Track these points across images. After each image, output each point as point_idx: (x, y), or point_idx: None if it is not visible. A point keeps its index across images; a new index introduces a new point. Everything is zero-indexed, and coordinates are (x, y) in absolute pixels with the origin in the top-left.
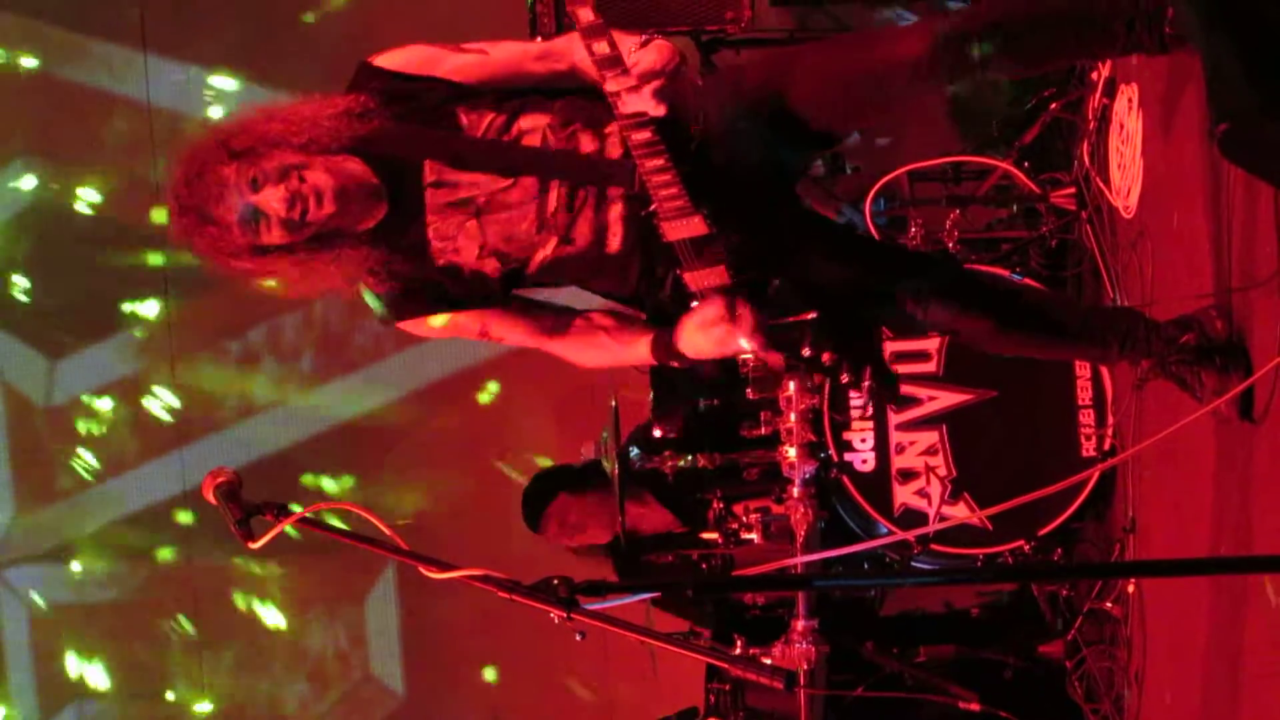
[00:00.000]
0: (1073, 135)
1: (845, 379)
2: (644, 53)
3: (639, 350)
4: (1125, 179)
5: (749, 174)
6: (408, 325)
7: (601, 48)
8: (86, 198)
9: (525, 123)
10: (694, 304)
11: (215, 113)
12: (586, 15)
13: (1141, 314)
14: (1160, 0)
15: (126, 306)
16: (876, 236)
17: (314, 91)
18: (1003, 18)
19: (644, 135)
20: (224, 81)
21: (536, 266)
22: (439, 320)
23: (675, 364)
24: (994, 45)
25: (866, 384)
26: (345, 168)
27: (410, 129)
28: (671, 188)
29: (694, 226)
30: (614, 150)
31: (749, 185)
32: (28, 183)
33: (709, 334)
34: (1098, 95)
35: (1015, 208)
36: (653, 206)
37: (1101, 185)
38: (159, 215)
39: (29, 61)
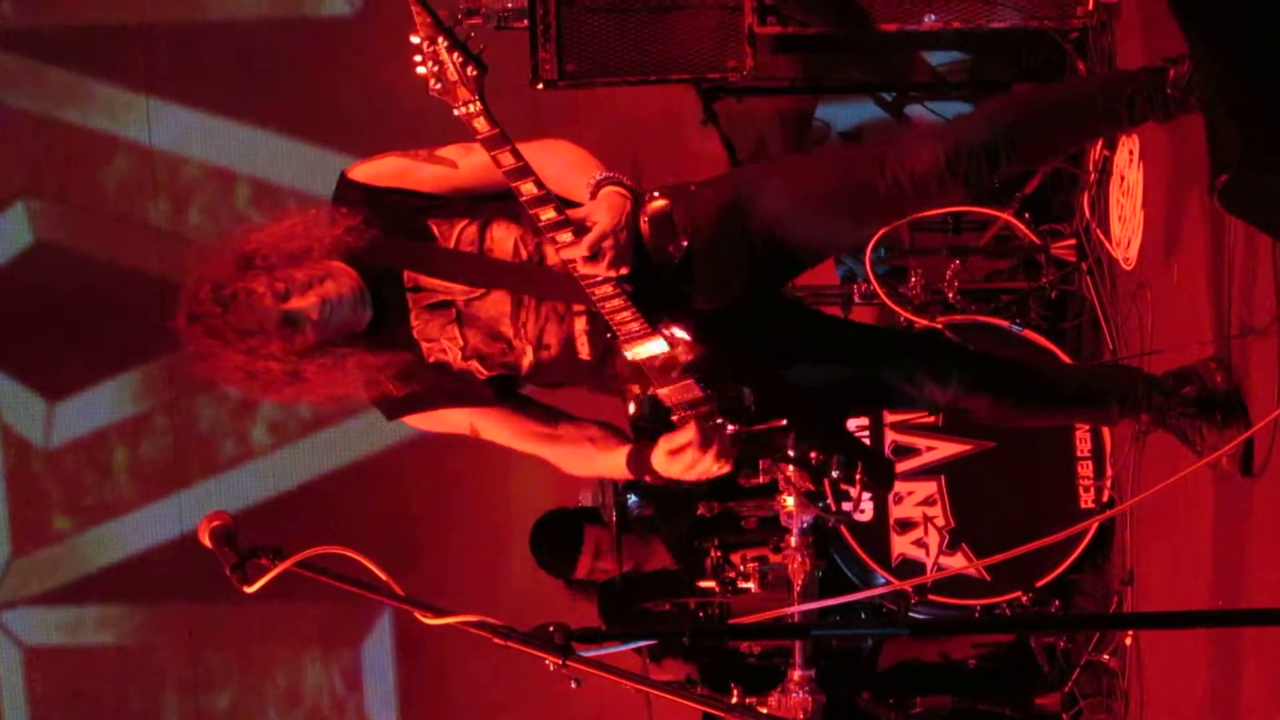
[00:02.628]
0: (1074, 187)
1: (836, 475)
2: (596, 208)
3: (615, 463)
4: (1126, 230)
5: (730, 292)
6: (411, 420)
7: (506, 159)
8: (86, 238)
9: (497, 232)
10: (674, 418)
11: (216, 156)
12: (482, 126)
13: (1139, 371)
14: (1155, 72)
15: (125, 349)
16: (879, 289)
17: (310, 133)
18: (1010, 121)
19: (593, 275)
20: (226, 125)
21: (527, 369)
22: (430, 416)
23: (649, 479)
24: (1005, 150)
25: (859, 478)
26: (349, 274)
27: (388, 240)
28: (625, 312)
29: (655, 347)
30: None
31: (726, 301)
32: (28, 222)
33: (679, 459)
34: (1099, 147)
35: (1016, 259)
36: (609, 334)
37: (1102, 237)
38: (157, 261)
39: (30, 103)
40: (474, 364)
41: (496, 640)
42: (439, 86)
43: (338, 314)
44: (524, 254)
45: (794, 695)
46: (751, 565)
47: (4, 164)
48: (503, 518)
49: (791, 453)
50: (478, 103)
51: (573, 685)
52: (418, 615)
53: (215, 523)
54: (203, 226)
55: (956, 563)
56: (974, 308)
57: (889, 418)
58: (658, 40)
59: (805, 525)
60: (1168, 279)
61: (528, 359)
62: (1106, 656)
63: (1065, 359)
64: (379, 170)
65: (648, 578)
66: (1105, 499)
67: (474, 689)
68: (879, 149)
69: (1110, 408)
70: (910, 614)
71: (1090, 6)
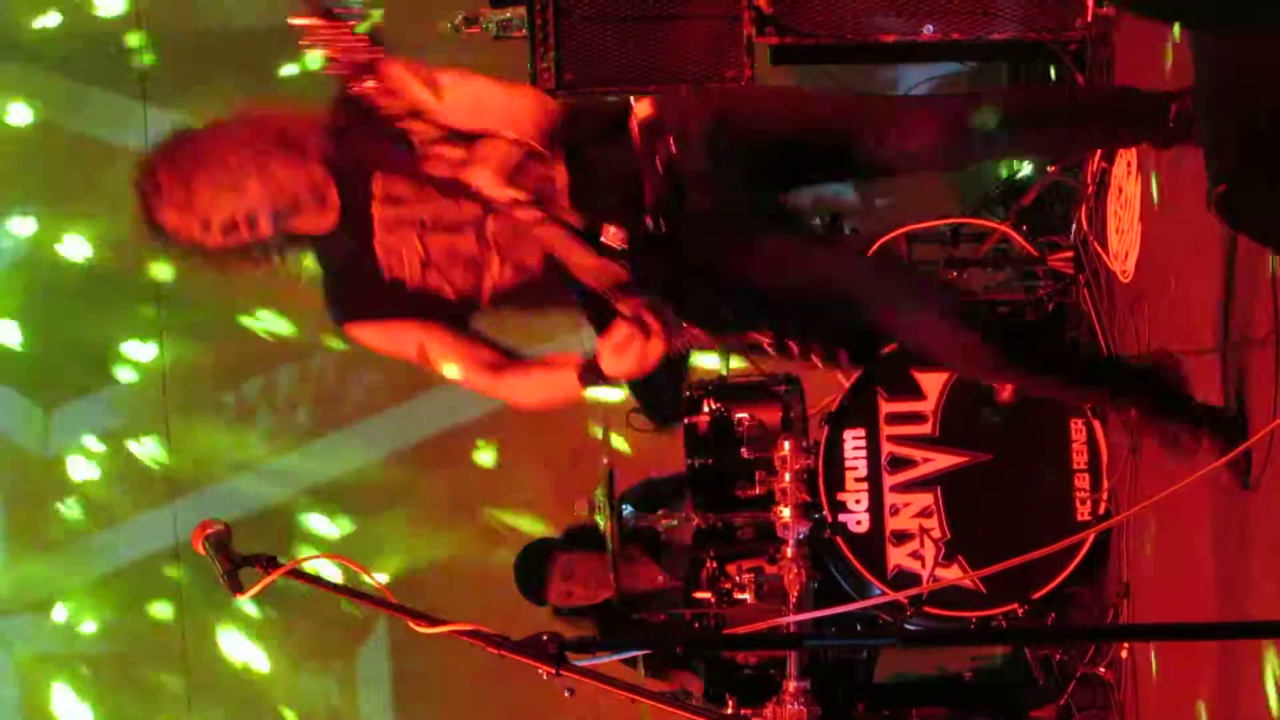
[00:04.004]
0: (1071, 199)
1: (817, 361)
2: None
3: (568, 379)
4: (1123, 243)
5: (723, 192)
6: (352, 329)
7: None
8: (84, 247)
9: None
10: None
11: None
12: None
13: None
14: (1159, 99)
15: (122, 357)
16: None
17: None
18: (1010, 113)
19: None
20: None
21: (489, 296)
22: (380, 328)
23: (604, 386)
24: (1003, 139)
25: (843, 360)
26: (303, 175)
27: (364, 140)
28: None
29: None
30: (561, 178)
31: (722, 199)
32: (27, 231)
33: (626, 354)
34: (1097, 159)
35: (1013, 270)
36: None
37: (1099, 249)
38: (156, 269)
39: (28, 110)
40: (433, 277)
41: (490, 649)
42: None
43: (276, 223)
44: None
45: (789, 706)
46: (747, 576)
47: (1, 172)
48: (497, 534)
49: (768, 346)
50: None
51: (566, 694)
52: (412, 624)
53: (209, 530)
54: None
55: (953, 574)
56: None
57: (886, 429)
58: (656, 50)
59: (801, 536)
60: (1165, 291)
61: (491, 277)
62: (1102, 669)
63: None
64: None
65: (644, 596)
66: (1102, 511)
67: (469, 699)
68: (883, 121)
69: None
70: (906, 625)
71: (1089, 18)
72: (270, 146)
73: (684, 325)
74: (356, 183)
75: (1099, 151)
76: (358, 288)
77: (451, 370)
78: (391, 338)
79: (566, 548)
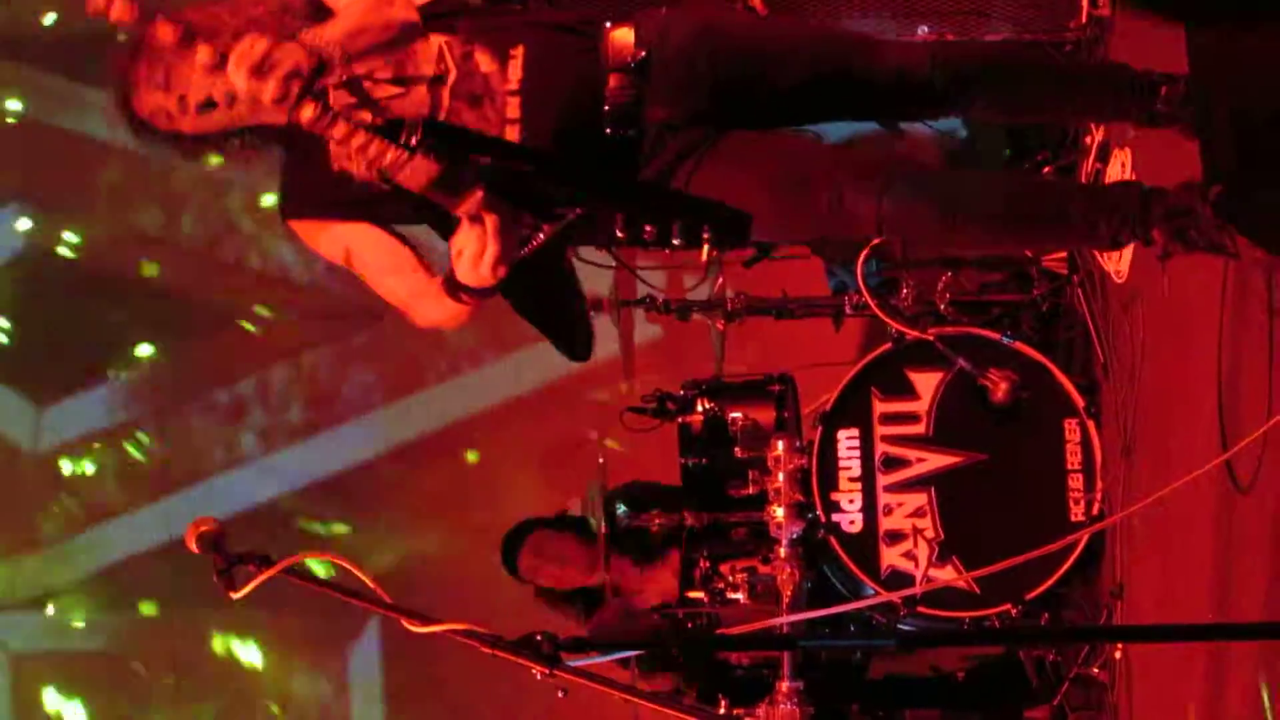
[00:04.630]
0: None
1: (677, 242)
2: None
3: (444, 299)
4: None
5: (687, 104)
6: (295, 225)
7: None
8: (77, 244)
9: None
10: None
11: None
12: None
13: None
14: (1151, 77)
15: (115, 355)
16: None
17: None
18: (997, 59)
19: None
20: None
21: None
22: (318, 226)
23: (469, 298)
24: (984, 82)
25: (706, 238)
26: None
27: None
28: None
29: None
30: (514, 76)
31: (684, 112)
32: (20, 228)
33: (470, 262)
34: (1091, 159)
35: (1008, 271)
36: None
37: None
38: (149, 268)
39: (21, 106)
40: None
41: (484, 649)
42: None
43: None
44: (449, 62)
45: (782, 706)
46: (740, 576)
47: None
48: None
49: (621, 234)
50: None
51: (560, 695)
52: (404, 623)
53: (203, 528)
54: (195, 234)
55: (946, 575)
56: (966, 319)
57: (880, 429)
58: None
59: (795, 536)
60: (1159, 292)
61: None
62: (1096, 669)
63: None
64: None
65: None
66: (1095, 512)
67: (462, 697)
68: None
69: (1098, 228)
70: (899, 626)
71: (1083, 19)
72: (247, 25)
73: (524, 216)
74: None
75: (1093, 152)
76: (306, 181)
77: (371, 275)
78: (324, 239)
79: (555, 523)
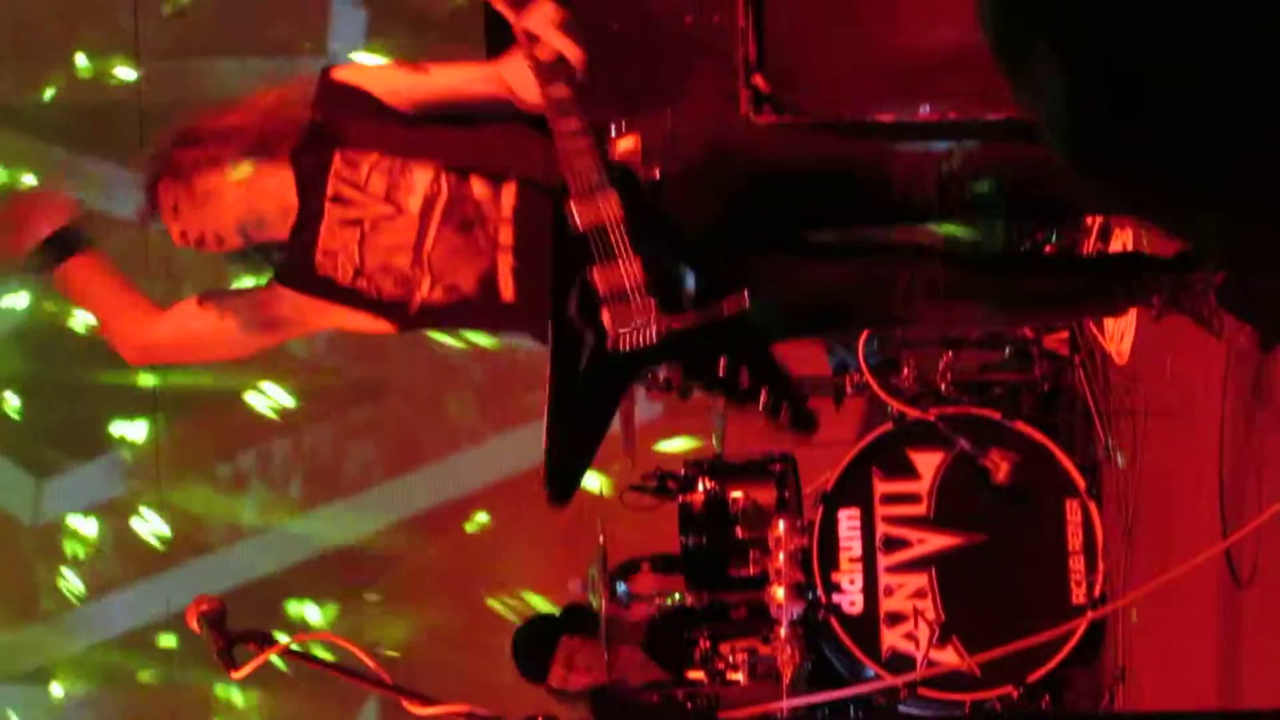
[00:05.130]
0: None
1: (760, 408)
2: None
3: None
4: (1119, 325)
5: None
6: (281, 290)
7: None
8: (80, 317)
9: (416, 174)
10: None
11: None
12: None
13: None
14: (1163, 267)
15: (115, 427)
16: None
17: None
18: (1012, 188)
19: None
20: None
21: (417, 308)
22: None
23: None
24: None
25: (783, 419)
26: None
27: (325, 127)
28: (586, 157)
29: (611, 206)
30: (507, 204)
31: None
32: (22, 301)
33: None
34: (1092, 239)
35: (1008, 351)
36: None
37: (1095, 330)
38: None
39: (28, 179)
40: (363, 284)
41: None
42: None
43: (243, 236)
44: (445, 188)
45: None
46: (740, 656)
47: None
48: (492, 611)
49: (721, 374)
50: None
51: None
52: (405, 704)
53: (204, 606)
54: None
55: (947, 655)
56: (966, 399)
57: (881, 509)
58: None
59: (795, 616)
60: (1161, 374)
61: (421, 295)
62: None
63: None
64: (364, 74)
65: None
66: (1097, 594)
67: None
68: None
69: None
70: (900, 708)
71: None
72: (240, 156)
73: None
74: (315, 184)
75: (1094, 234)
76: (300, 258)
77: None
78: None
79: (568, 629)
